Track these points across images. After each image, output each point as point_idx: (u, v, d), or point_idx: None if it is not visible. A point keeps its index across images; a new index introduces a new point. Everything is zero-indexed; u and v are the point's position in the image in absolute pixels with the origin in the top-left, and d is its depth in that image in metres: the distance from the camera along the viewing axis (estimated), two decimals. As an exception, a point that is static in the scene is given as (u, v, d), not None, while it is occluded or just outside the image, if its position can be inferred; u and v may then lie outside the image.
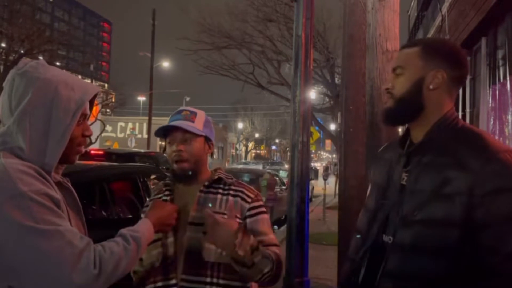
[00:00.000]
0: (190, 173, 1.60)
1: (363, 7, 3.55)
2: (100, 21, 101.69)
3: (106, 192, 3.44)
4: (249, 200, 1.61)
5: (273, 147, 65.20)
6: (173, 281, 1.53)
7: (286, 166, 21.17)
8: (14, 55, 19.05)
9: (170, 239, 1.56)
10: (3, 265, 1.00)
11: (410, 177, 1.25)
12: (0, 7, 20.79)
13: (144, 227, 1.29)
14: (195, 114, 1.63)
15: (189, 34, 16.73)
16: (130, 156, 8.74)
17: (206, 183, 1.61)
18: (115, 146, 26.20)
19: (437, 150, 1.22)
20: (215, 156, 1.87)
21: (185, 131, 1.57)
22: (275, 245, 1.59)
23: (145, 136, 26.52)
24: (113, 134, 36.46)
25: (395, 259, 1.21)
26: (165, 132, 1.62)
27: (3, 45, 19.48)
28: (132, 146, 25.78)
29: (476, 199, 1.11)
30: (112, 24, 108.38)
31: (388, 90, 1.31)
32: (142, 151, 12.20)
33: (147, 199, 3.96)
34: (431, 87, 1.24)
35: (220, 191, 1.62)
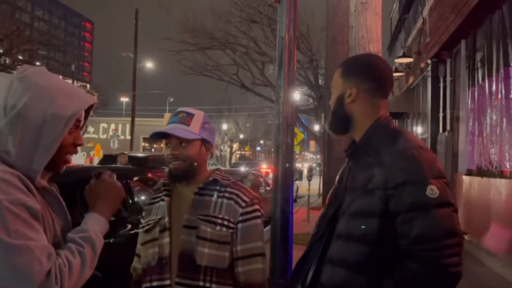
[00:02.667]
0: (185, 173, 1.58)
1: (346, 10, 3.59)
2: (81, 21, 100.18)
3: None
4: (243, 204, 1.58)
5: (258, 148, 65.26)
6: (167, 282, 1.53)
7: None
8: (-8, 54, 18.64)
9: (166, 240, 1.56)
10: None
11: (348, 176, 1.47)
12: (-22, 6, 20.28)
13: (91, 222, 1.22)
14: (191, 116, 1.60)
15: (173, 35, 16.65)
16: (143, 160, 10.42)
17: (201, 185, 1.60)
18: (97, 148, 25.85)
19: (367, 152, 1.42)
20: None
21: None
22: (260, 254, 1.58)
23: (128, 137, 26.24)
24: (95, 136, 35.96)
25: (334, 246, 1.42)
26: (162, 135, 1.60)
27: (-19, 44, 19.04)
28: (114, 147, 25.45)
29: (389, 192, 1.30)
30: (94, 24, 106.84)
31: (331, 106, 1.54)
32: (153, 154, 13.11)
33: (132, 198, 3.92)
34: (347, 101, 1.47)
35: (215, 193, 1.60)
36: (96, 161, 24.78)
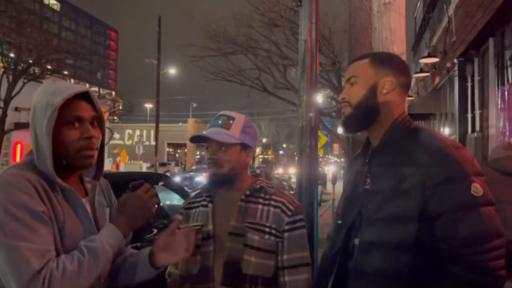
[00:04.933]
0: (224, 179, 1.56)
1: (369, 11, 3.54)
2: (106, 30, 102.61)
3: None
4: (289, 213, 1.56)
5: (281, 152, 65.08)
6: None
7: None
8: (22, 64, 19.25)
9: (210, 248, 1.53)
10: None
11: (371, 179, 1.34)
12: (8, 17, 20.98)
13: (104, 234, 1.23)
14: (232, 120, 1.59)
15: (195, 41, 16.84)
16: None
17: (248, 192, 1.57)
18: (123, 154, 26.34)
19: (393, 151, 1.31)
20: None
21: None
22: (306, 264, 1.55)
23: (153, 143, 26.63)
24: (121, 142, 36.69)
25: (363, 258, 1.28)
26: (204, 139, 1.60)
27: (12, 55, 19.71)
28: (140, 153, 25.87)
29: (428, 191, 1.19)
30: (119, 32, 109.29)
31: (344, 100, 1.40)
32: None
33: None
34: (384, 91, 1.35)
35: (261, 201, 1.57)
36: (122, 167, 25.23)
